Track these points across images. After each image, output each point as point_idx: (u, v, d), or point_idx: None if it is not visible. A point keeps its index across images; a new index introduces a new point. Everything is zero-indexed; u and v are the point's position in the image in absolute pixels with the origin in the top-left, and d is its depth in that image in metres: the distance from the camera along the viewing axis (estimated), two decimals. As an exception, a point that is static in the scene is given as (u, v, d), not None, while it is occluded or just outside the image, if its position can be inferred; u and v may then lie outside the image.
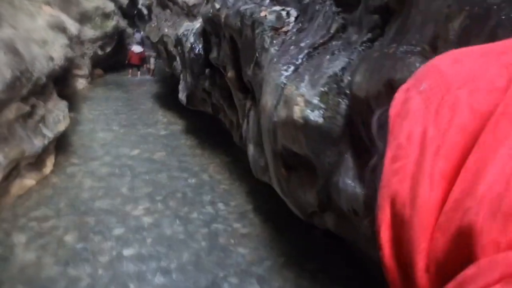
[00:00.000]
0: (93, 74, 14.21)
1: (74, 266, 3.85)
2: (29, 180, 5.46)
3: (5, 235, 4.28)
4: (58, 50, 7.41)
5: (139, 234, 4.41)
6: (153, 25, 11.03)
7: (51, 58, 6.87)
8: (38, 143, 5.45)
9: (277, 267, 3.92)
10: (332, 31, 3.55)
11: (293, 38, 3.97)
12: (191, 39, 6.68)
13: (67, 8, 12.30)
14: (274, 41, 4.07)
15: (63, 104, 7.02)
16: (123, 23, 16.93)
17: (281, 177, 3.58)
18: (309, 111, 2.98)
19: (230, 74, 5.28)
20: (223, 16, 5.03)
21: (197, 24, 6.77)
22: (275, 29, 4.21)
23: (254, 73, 4.30)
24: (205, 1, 7.61)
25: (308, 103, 3.02)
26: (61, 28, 8.25)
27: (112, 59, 16.07)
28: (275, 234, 4.45)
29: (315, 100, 3.00)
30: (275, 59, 3.80)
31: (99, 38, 14.40)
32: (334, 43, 3.43)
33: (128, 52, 15.78)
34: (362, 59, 2.86)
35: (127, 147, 7.27)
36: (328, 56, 3.27)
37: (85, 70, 13.14)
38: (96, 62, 14.60)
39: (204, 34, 6.54)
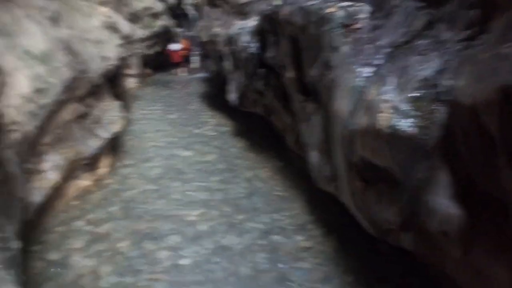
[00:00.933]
0: (142, 74, 14.34)
1: (131, 275, 3.66)
2: (85, 181, 5.39)
3: (62, 238, 4.18)
4: (112, 50, 7.38)
5: (194, 243, 4.18)
6: (202, 24, 10.89)
7: (106, 58, 6.82)
8: (94, 144, 5.37)
9: (345, 287, 3.55)
10: (415, 28, 3.13)
11: (368, 36, 3.57)
12: (245, 38, 6.40)
13: (119, 8, 12.44)
14: (346, 40, 3.69)
15: (117, 104, 6.95)
16: (170, 23, 17.01)
17: (356, 190, 3.21)
18: (397, 119, 2.59)
19: (290, 74, 4.94)
20: (285, 13, 4.70)
21: (252, 22, 6.48)
22: (346, 26, 3.83)
23: (320, 74, 3.95)
24: (259, -1, 7.33)
25: (396, 110, 2.62)
26: (114, 28, 8.24)
27: (160, 58, 16.19)
28: (340, 249, 4.07)
29: (405, 107, 2.60)
30: (348, 59, 3.43)
31: (148, 37, 14.52)
32: (420, 41, 3.00)
33: (166, 51, 15.73)
34: (464, 60, 2.43)
35: (177, 149, 7.11)
36: (416, 57, 2.85)
37: (135, 70, 13.24)
38: (145, 62, 14.72)
39: (259, 32, 6.24)
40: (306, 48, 4.46)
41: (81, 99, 5.24)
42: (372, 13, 3.84)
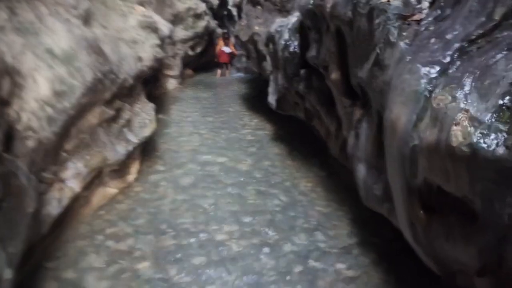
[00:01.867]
0: (183, 75, 14.11)
1: (148, 304, 3.19)
2: (111, 189, 5.03)
3: (80, 254, 3.79)
4: (147, 51, 7.04)
5: (223, 266, 3.64)
6: (242, 24, 10.42)
7: (140, 59, 6.48)
8: (122, 149, 4.99)
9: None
10: (496, 17, 2.41)
11: (432, 28, 2.88)
12: (285, 36, 5.81)
13: (161, 9, 12.24)
14: (404, 33, 3.02)
15: (150, 107, 6.59)
16: (213, 24, 16.73)
17: (417, 220, 2.53)
18: (479, 135, 1.91)
19: (335, 75, 4.30)
20: (329, 5, 4.06)
21: (293, 19, 5.88)
22: (404, 18, 3.15)
23: (371, 74, 3.29)
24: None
25: (477, 122, 1.95)
26: (153, 28, 7.92)
27: (202, 59, 15.95)
28: (393, 281, 3.39)
29: (489, 119, 1.92)
30: (408, 57, 2.75)
31: (190, 38, 14.27)
32: (504, 34, 2.29)
33: (218, 51, 15.57)
34: None
35: (213, 154, 6.65)
36: (500, 54, 2.15)
37: (176, 71, 13.04)
38: (187, 62, 14.50)
39: (301, 29, 5.63)
40: (354, 45, 3.81)
41: (108, 102, 4.88)
42: (434, 2, 3.14)
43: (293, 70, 5.82)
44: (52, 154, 3.85)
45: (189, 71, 15.05)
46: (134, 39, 6.72)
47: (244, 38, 9.57)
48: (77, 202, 4.29)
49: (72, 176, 4.10)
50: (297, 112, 6.88)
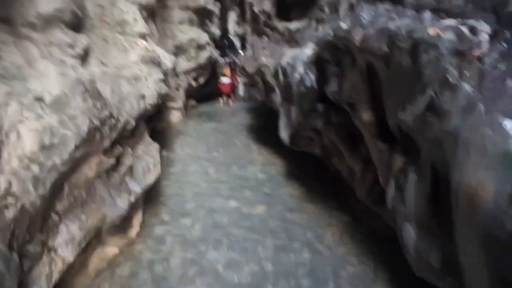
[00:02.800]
0: (186, 106, 13.60)
1: None
2: (111, 248, 4.36)
3: None
4: (151, 87, 6.48)
5: None
6: (248, 55, 9.94)
7: (143, 97, 5.91)
8: (123, 203, 4.34)
9: None
10: None
11: (503, 67, 2.29)
12: (300, 69, 5.24)
13: (163, 41, 11.82)
14: (466, 73, 2.43)
15: (154, 148, 5.98)
16: (215, 54, 16.34)
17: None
18: None
19: (366, 116, 3.70)
20: (357, 38, 3.50)
21: (307, 51, 5.34)
22: (461, 54, 2.56)
23: (422, 120, 2.69)
24: (313, 24, 6.22)
25: None
26: (155, 63, 7.41)
27: (205, 90, 15.48)
28: None
29: None
30: (481, 105, 2.15)
31: (193, 69, 13.82)
32: None
33: (218, 83, 15.32)
34: None
35: (222, 197, 5.99)
36: None
37: (179, 103, 12.51)
38: (190, 94, 14.01)
39: (317, 62, 5.08)
40: (391, 83, 3.22)
41: (108, 150, 4.27)
42: (497, 34, 2.56)
43: (309, 105, 5.23)
44: (40, 220, 3.21)
45: (192, 102, 14.56)
46: (136, 76, 6.17)
47: (250, 69, 9.06)
48: (70, 271, 3.61)
49: (64, 243, 3.44)
50: (313, 148, 6.26)
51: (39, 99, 3.41)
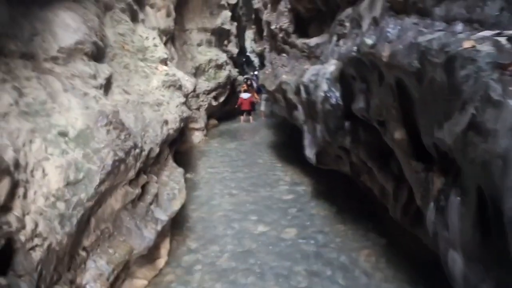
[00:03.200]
0: (208, 126, 13.62)
1: None
2: (140, 281, 4.26)
3: None
4: (173, 111, 6.47)
5: None
6: (267, 72, 9.89)
7: (166, 122, 5.89)
8: (150, 233, 4.25)
9: None
10: None
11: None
12: (324, 87, 5.11)
13: (183, 63, 11.95)
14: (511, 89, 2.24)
15: (178, 173, 5.92)
16: (234, 72, 16.42)
17: None
18: None
19: (399, 135, 3.51)
20: (385, 54, 3.34)
21: (330, 67, 5.21)
22: (502, 67, 2.37)
23: (464, 140, 2.50)
24: (334, 39, 6.10)
25: None
26: (177, 86, 7.43)
27: (225, 108, 15.52)
28: None
29: None
30: (535, 123, 1.96)
31: (212, 89, 13.89)
32: None
33: (239, 99, 15.29)
34: None
35: (250, 221, 5.84)
36: None
37: (201, 123, 12.54)
38: (211, 113, 14.06)
39: (341, 79, 4.94)
40: (425, 100, 3.04)
41: (132, 180, 4.21)
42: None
43: (335, 123, 5.07)
44: (67, 258, 3.14)
45: (213, 121, 14.59)
46: (158, 101, 6.18)
47: (271, 87, 8.98)
48: (99, 307, 3.52)
49: (93, 279, 3.36)
50: (341, 166, 6.06)
51: (63, 134, 3.39)
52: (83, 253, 3.41)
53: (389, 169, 4.72)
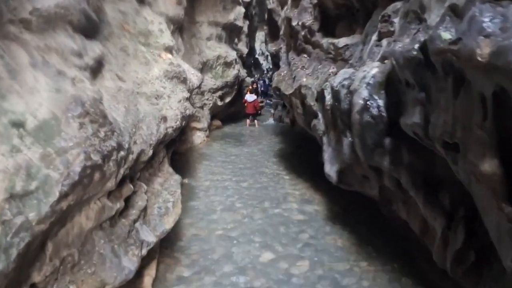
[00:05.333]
0: (211, 127, 12.61)
1: None
2: (111, 323, 3.20)
3: None
4: (174, 106, 5.46)
5: None
6: (283, 74, 8.89)
7: (164, 119, 4.88)
8: (130, 263, 3.22)
9: None
10: None
11: None
12: (364, 93, 4.10)
13: (189, 57, 10.95)
14: None
15: (175, 181, 4.90)
16: (243, 72, 15.44)
17: None
18: None
19: (489, 166, 2.49)
20: (481, 51, 2.35)
21: (372, 70, 4.21)
22: None
23: None
24: (373, 39, 5.10)
25: None
26: (180, 79, 6.42)
27: (230, 109, 14.52)
28: None
29: None
30: None
31: (219, 88, 12.89)
32: None
33: (244, 101, 14.30)
34: None
35: (254, 245, 4.83)
36: None
37: (204, 123, 11.53)
38: (215, 113, 13.05)
39: (388, 85, 3.94)
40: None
41: (112, 191, 3.18)
42: None
43: (375, 138, 4.06)
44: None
45: (217, 122, 13.58)
46: (157, 93, 5.17)
47: (287, 90, 7.97)
48: None
49: (38, 334, 2.33)
50: (366, 189, 5.05)
51: (17, 124, 2.37)
52: (30, 294, 2.38)
53: (438, 203, 3.72)
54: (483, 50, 2.33)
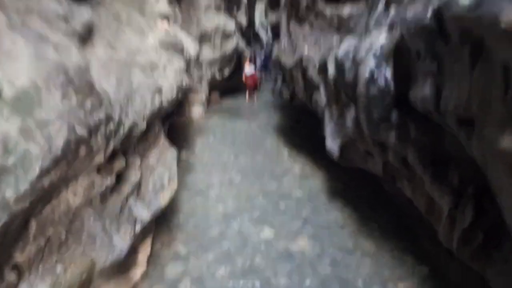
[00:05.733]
0: (209, 100, 12.34)
1: None
2: (103, 303, 3.09)
3: None
4: (170, 77, 5.21)
5: None
6: (283, 45, 8.56)
7: (159, 90, 4.64)
8: (122, 241, 3.07)
9: None
10: None
11: None
12: (371, 64, 3.85)
13: (187, 27, 10.55)
14: None
15: (170, 155, 4.71)
16: (242, 44, 15.00)
17: None
18: None
19: (509, 142, 2.30)
20: (507, 17, 2.11)
21: (379, 39, 3.94)
22: None
23: None
24: (379, 6, 4.80)
25: None
26: (177, 49, 6.13)
27: (229, 83, 14.18)
28: None
29: None
30: None
31: (217, 60, 12.52)
32: None
33: (243, 75, 13.91)
34: None
35: (253, 221, 4.70)
36: None
37: (201, 96, 11.25)
38: (213, 86, 12.74)
39: (397, 55, 3.69)
40: None
41: (103, 166, 3.00)
42: None
43: (381, 112, 3.84)
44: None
45: (215, 96, 13.28)
46: (152, 64, 4.90)
47: (288, 62, 7.67)
48: None
49: (22, 317, 2.19)
50: (370, 165, 4.88)
51: (-7, 93, 2.15)
52: (12, 275, 2.23)
53: (446, 180, 3.55)
54: (508, 16, 2.09)
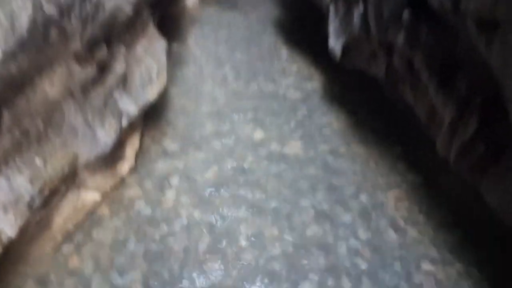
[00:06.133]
0: (205, -13, 11.33)
1: None
2: (90, 194, 3.09)
3: None
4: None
5: None
6: None
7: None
8: (107, 135, 2.95)
9: None
10: None
11: None
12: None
13: None
14: None
15: (159, 46, 4.36)
16: None
17: None
18: None
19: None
20: None
21: None
22: None
23: None
24: None
25: None
26: None
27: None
28: None
29: None
30: None
31: None
32: None
33: None
34: None
35: (245, 121, 4.58)
36: None
37: (196, -18, 10.28)
38: (210, -28, 11.59)
39: None
40: None
41: (82, 54, 2.72)
42: None
43: (392, 10, 3.47)
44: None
45: (212, -17, 12.19)
46: None
47: None
48: (21, 239, 2.39)
49: (2, 208, 2.15)
50: (373, 68, 4.63)
51: None
52: (-12, 167, 2.13)
53: (453, 88, 3.36)
54: None
